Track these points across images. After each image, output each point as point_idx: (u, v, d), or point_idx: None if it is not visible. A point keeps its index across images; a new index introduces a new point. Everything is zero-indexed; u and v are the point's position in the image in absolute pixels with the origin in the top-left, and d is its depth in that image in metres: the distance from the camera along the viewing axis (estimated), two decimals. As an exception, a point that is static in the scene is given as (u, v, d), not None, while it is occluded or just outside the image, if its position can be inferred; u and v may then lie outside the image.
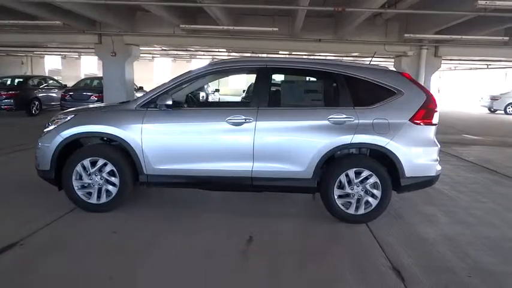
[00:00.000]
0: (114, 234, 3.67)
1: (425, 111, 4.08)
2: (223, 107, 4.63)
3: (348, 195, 4.06)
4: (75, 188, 4.11)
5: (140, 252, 3.30)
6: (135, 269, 3.03)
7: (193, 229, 3.86)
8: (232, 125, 3.99)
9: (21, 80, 14.82)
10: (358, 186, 4.03)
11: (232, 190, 4.28)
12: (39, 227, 3.72)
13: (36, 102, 13.96)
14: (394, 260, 3.30)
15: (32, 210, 4.17)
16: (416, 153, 4.06)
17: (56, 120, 4.22)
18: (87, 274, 2.92)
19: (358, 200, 4.06)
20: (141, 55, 15.54)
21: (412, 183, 4.10)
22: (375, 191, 4.04)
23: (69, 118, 4.18)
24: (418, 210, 4.68)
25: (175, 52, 21.69)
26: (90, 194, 4.13)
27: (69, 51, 23.28)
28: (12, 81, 14.82)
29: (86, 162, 4.08)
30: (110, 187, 4.11)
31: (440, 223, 4.26)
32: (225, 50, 18.76)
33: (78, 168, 4.08)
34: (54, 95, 14.79)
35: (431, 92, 4.35)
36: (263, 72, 4.18)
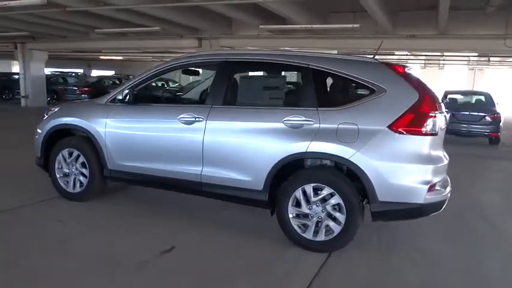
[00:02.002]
0: (59, 222, 3.75)
1: (413, 116, 3.06)
2: (178, 104, 4.29)
3: (305, 215, 3.31)
4: (57, 176, 4.34)
5: (49, 244, 3.31)
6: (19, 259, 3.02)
7: (130, 229, 3.67)
8: (184, 123, 3.66)
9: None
10: (317, 206, 3.25)
11: (188, 193, 3.92)
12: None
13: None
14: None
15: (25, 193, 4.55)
16: (395, 171, 3.06)
17: (49, 112, 4.53)
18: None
19: (318, 223, 3.27)
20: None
21: (388, 210, 3.11)
22: (337, 214, 3.20)
23: (55, 110, 4.45)
24: (417, 247, 3.57)
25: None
26: (68, 182, 4.32)
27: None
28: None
29: (65, 152, 4.27)
30: (81, 178, 4.23)
31: (438, 270, 3.13)
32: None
33: (59, 157, 4.30)
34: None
35: (430, 90, 3.23)
36: (222, 67, 3.71)
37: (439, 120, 3.16)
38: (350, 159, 3.09)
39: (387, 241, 3.66)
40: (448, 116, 3.80)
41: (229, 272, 2.95)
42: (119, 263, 2.99)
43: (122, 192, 4.75)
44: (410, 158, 3.05)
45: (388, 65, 3.27)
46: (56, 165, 4.32)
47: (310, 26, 9.58)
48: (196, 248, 3.34)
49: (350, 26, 9.04)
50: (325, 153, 3.18)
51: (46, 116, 4.51)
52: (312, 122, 3.23)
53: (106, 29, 12.40)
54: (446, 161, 3.49)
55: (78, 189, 4.26)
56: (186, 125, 3.64)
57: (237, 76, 3.68)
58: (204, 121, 3.58)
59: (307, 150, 3.21)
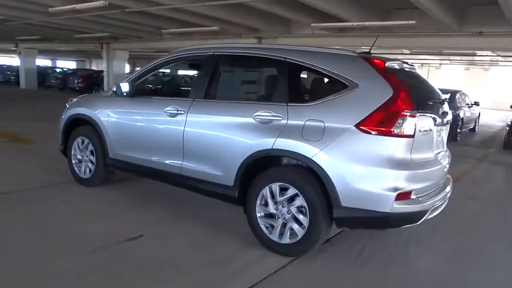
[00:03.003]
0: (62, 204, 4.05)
1: (384, 115, 2.74)
2: (168, 97, 4.29)
3: (271, 215, 3.16)
4: (73, 161, 4.70)
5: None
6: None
7: (113, 215, 3.82)
8: (168, 116, 3.72)
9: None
10: (283, 207, 3.09)
11: (173, 185, 3.95)
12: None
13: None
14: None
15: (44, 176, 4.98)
16: (359, 174, 2.77)
17: (69, 102, 4.92)
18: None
19: (284, 225, 3.10)
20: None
21: (352, 217, 2.83)
22: (300, 217, 3.00)
23: (74, 101, 4.81)
24: (404, 263, 3.18)
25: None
26: (80, 168, 4.65)
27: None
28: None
29: (79, 140, 4.60)
30: (90, 164, 4.52)
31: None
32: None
33: (75, 144, 4.65)
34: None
35: (409, 87, 2.84)
36: (209, 60, 3.68)
37: (419, 120, 2.80)
38: (312, 158, 2.87)
39: (371, 253, 3.33)
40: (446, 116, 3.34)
41: (179, 264, 2.94)
42: (80, 244, 3.13)
43: (128, 181, 4.91)
44: (377, 161, 2.73)
45: (367, 59, 2.97)
46: (72, 152, 4.67)
47: (362, 23, 9.10)
48: (163, 239, 3.37)
49: (405, 22, 8.40)
50: (288, 150, 3.00)
51: (67, 106, 4.90)
52: (280, 118, 3.07)
53: (171, 29, 13.13)
54: (438, 167, 3.09)
55: (88, 175, 4.56)
56: (170, 118, 3.70)
57: (217, 70, 3.62)
58: (185, 114, 3.60)
59: (273, 147, 3.06)
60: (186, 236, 3.48)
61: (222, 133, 3.38)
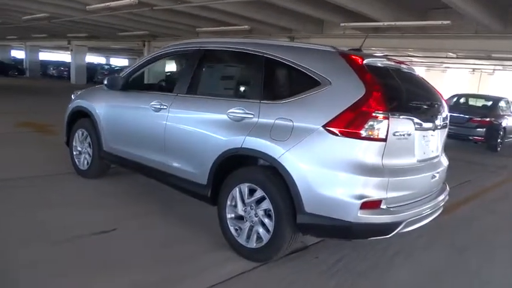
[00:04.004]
0: (57, 193, 4.15)
1: (353, 116, 2.52)
2: (155, 91, 4.21)
3: (240, 218, 3.03)
4: (74, 153, 4.81)
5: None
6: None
7: (96, 207, 3.84)
8: (153, 110, 3.69)
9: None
10: (252, 209, 2.94)
11: (158, 181, 3.90)
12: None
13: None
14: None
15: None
16: (325, 178, 2.56)
17: (75, 94, 5.03)
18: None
19: (251, 228, 2.95)
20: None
21: (315, 224, 2.63)
22: (266, 221, 2.84)
23: (78, 93, 4.92)
24: (380, 279, 2.92)
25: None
26: (80, 160, 4.74)
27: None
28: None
29: (79, 132, 4.70)
30: (87, 156, 4.60)
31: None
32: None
33: (76, 136, 4.75)
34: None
35: (380, 86, 2.58)
36: (194, 55, 3.59)
37: (394, 123, 2.54)
38: (278, 159, 2.70)
39: (348, 264, 3.08)
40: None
41: (139, 260, 2.87)
42: (50, 234, 3.15)
43: (126, 175, 4.89)
44: (343, 166, 2.51)
45: (344, 55, 2.75)
46: (74, 144, 4.78)
47: (393, 23, 8.65)
48: (136, 233, 3.33)
49: (439, 23, 7.89)
50: (256, 150, 2.84)
51: (73, 98, 5.02)
52: (251, 116, 2.93)
53: (205, 28, 13.28)
54: (422, 175, 2.82)
55: (85, 166, 4.64)
56: (155, 112, 3.67)
57: (201, 65, 3.53)
58: (168, 109, 3.55)
59: (242, 146, 2.92)
60: (161, 231, 3.42)
61: (198, 129, 3.29)
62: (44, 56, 37.00)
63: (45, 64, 32.67)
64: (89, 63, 30.23)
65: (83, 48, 26.77)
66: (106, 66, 31.53)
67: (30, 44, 30.15)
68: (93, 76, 26.72)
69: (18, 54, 35.14)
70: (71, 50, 26.91)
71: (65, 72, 29.68)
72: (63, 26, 17.43)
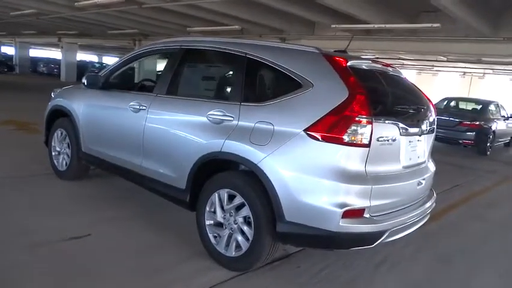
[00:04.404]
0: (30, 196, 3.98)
1: (336, 120, 2.41)
2: (134, 91, 4.06)
3: (219, 224, 2.90)
4: (52, 153, 4.64)
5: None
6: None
7: (72, 211, 3.67)
8: (132, 111, 3.54)
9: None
10: (231, 216, 2.81)
11: (137, 184, 3.76)
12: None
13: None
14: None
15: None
16: (305, 185, 2.45)
17: (54, 93, 4.85)
18: None
19: (231, 236, 2.83)
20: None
21: (296, 233, 2.51)
22: (245, 228, 2.72)
23: (58, 91, 4.75)
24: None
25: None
26: (58, 161, 4.57)
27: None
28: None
29: (58, 132, 4.53)
30: (66, 157, 4.44)
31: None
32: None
33: (54, 136, 4.58)
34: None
35: (364, 89, 2.46)
36: (175, 54, 3.46)
37: (377, 128, 2.44)
38: (258, 164, 2.57)
39: (330, 274, 2.97)
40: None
41: (110, 270, 2.72)
42: (17, 239, 2.99)
43: (106, 177, 4.73)
44: (325, 172, 2.40)
45: (327, 56, 2.63)
46: (52, 144, 4.61)
47: (383, 25, 8.59)
48: (110, 240, 3.17)
49: (429, 25, 7.83)
50: (235, 154, 2.71)
51: (52, 97, 4.85)
52: (231, 118, 2.80)
53: (195, 28, 13.12)
54: (408, 182, 2.73)
55: (64, 167, 4.48)
56: (134, 113, 3.52)
57: (182, 65, 3.39)
58: (147, 110, 3.41)
59: (221, 150, 2.79)
60: (138, 238, 3.27)
61: (177, 131, 3.15)
62: (35, 52, 36.52)
63: (35, 61, 32.25)
64: (80, 61, 29.91)
65: (73, 45, 26.45)
66: (97, 64, 31.16)
67: (20, 40, 29.70)
68: (83, 74, 26.34)
69: (8, 50, 34.70)
70: (62, 47, 26.58)
71: (55, 70, 29.34)
72: (53, 22, 17.14)
